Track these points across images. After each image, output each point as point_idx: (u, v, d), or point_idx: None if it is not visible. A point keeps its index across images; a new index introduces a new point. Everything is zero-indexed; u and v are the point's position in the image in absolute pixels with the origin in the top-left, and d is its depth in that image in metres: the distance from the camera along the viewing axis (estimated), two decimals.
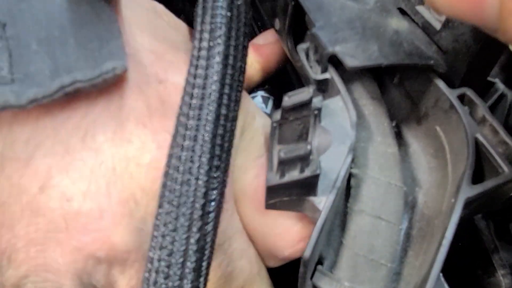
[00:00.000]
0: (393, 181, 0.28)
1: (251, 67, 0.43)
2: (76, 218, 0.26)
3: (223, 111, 0.26)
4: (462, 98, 0.29)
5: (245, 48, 0.28)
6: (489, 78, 0.32)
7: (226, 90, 0.26)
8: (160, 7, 0.35)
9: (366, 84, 0.32)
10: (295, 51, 0.34)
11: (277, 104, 0.45)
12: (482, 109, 0.28)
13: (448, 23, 0.30)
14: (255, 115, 0.33)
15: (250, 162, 0.32)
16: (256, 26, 0.48)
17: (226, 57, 0.26)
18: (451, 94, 0.29)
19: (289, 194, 0.27)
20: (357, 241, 0.27)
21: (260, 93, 0.44)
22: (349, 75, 0.31)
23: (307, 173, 0.25)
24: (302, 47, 0.33)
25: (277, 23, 0.36)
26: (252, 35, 0.47)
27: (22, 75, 0.24)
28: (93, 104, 0.26)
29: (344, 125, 0.27)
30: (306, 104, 0.27)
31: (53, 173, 0.26)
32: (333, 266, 0.28)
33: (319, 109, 0.26)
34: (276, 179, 0.26)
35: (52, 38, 0.25)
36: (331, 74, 0.30)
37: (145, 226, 0.27)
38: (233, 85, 0.27)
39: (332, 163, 0.26)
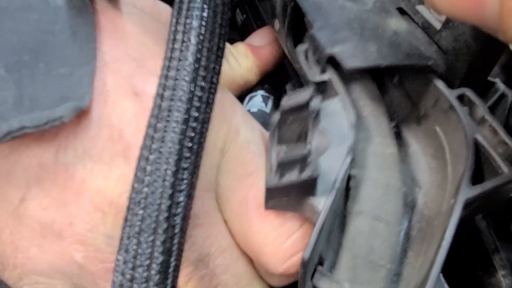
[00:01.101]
0: (392, 182, 0.28)
1: (249, 70, 0.43)
2: (52, 226, 0.28)
3: (194, 113, 0.25)
4: (461, 98, 0.29)
5: (221, 49, 0.28)
6: (489, 78, 0.32)
7: (198, 92, 0.26)
8: (164, 9, 0.35)
9: (365, 85, 0.31)
10: (294, 52, 0.34)
11: (277, 103, 0.45)
12: (481, 110, 0.28)
13: (448, 23, 0.30)
14: (239, 129, 0.33)
15: (237, 183, 0.32)
16: (256, 26, 0.48)
17: (198, 59, 0.26)
18: (451, 95, 0.29)
19: (288, 195, 0.27)
20: (357, 242, 0.27)
21: (260, 92, 0.44)
22: (348, 76, 0.31)
23: (306, 174, 0.25)
24: (300, 48, 0.33)
25: (277, 24, 0.36)
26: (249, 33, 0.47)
27: None
28: None
29: (343, 126, 0.27)
30: (305, 105, 0.27)
31: (30, 186, 0.27)
32: (333, 267, 0.28)
33: (318, 110, 0.26)
34: (275, 181, 0.26)
35: (22, 63, 0.26)
36: (330, 75, 0.29)
37: (116, 233, 0.27)
38: (205, 87, 0.26)
39: (331, 164, 0.26)
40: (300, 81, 0.42)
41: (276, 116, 0.28)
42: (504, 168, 0.26)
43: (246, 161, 0.32)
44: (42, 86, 0.26)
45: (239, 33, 0.52)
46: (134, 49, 0.30)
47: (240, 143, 0.32)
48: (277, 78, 0.46)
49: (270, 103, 0.45)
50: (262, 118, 0.43)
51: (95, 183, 0.27)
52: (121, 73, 0.29)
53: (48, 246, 0.28)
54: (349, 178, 0.28)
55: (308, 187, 0.26)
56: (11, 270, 0.29)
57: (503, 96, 0.31)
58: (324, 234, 0.27)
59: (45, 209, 0.27)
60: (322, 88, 0.30)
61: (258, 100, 0.45)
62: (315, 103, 0.26)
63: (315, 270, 0.28)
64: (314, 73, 0.30)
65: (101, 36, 0.29)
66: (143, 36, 0.31)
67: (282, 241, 0.31)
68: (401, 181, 0.28)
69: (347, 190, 0.28)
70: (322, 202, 0.26)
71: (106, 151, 0.28)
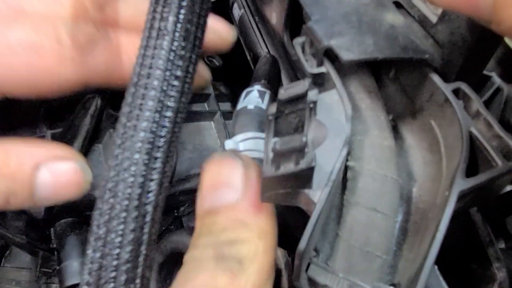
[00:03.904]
0: (389, 174, 0.28)
1: None
2: None
3: (168, 102, 0.25)
4: (457, 92, 0.29)
5: (198, 39, 0.28)
6: (485, 72, 0.32)
7: (173, 81, 0.25)
8: None
9: (362, 78, 0.32)
10: (291, 45, 0.34)
11: (273, 98, 0.45)
12: (476, 103, 0.28)
13: (444, 16, 0.30)
14: None
15: None
16: (254, 22, 0.48)
17: (174, 48, 0.26)
18: (446, 88, 0.29)
19: (284, 187, 0.27)
20: (353, 233, 0.27)
21: (257, 87, 0.44)
22: (345, 69, 0.31)
23: (302, 165, 0.25)
24: (298, 41, 0.33)
25: (274, 17, 0.36)
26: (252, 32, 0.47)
27: None
28: None
29: (339, 118, 0.27)
30: (301, 97, 0.27)
31: None
32: (328, 258, 0.28)
33: (315, 102, 0.26)
34: (271, 171, 0.26)
35: None
36: (327, 67, 0.30)
37: None
38: (181, 76, 0.26)
39: (327, 156, 0.26)
40: (296, 75, 0.42)
41: (273, 108, 0.28)
42: (498, 161, 0.26)
43: None
44: None
45: (237, 28, 0.52)
46: None
47: None
48: (273, 73, 0.46)
49: (266, 98, 0.45)
50: (258, 116, 0.43)
51: None
52: None
53: None
54: (346, 169, 0.28)
55: (304, 179, 0.26)
56: None
57: (498, 89, 0.32)
58: (320, 226, 0.27)
59: None
60: (319, 81, 0.30)
61: (254, 95, 0.45)
62: (313, 94, 0.26)
63: (309, 262, 0.28)
64: (311, 66, 0.30)
65: None
66: None
67: None
68: (397, 174, 0.29)
69: (344, 182, 0.28)
70: (318, 194, 0.26)
71: None
